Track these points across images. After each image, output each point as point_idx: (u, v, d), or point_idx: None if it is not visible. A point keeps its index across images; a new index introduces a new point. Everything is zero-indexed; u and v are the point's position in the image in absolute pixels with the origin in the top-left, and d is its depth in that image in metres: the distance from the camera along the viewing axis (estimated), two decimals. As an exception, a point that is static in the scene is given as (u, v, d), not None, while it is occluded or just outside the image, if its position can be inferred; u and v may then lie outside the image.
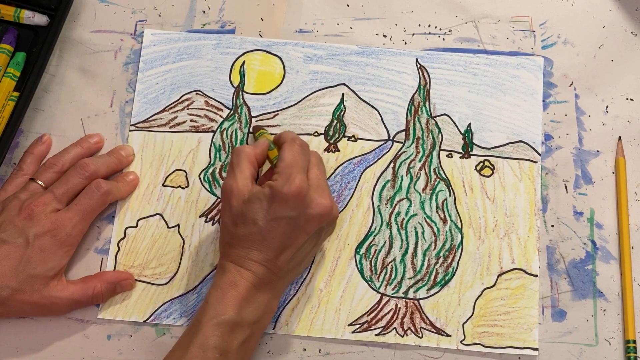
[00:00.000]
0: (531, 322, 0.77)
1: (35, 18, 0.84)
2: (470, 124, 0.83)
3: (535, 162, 0.81)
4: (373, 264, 0.79)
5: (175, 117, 0.84)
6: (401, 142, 0.82)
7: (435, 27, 0.86)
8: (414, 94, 0.84)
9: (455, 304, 0.77)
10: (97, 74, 0.85)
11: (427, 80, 0.84)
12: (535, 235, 0.79)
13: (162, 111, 0.84)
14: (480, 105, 0.83)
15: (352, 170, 0.82)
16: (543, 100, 0.83)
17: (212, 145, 0.83)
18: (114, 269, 0.79)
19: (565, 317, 0.77)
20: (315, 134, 0.83)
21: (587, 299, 0.77)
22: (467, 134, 0.82)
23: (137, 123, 0.83)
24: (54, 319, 0.77)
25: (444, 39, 0.86)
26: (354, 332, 0.77)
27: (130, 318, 0.78)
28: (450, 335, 0.77)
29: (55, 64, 0.85)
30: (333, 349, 0.77)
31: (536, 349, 0.76)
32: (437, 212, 0.80)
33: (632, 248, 0.79)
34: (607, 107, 0.83)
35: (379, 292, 0.78)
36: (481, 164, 0.82)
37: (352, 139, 0.83)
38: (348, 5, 0.87)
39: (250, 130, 0.82)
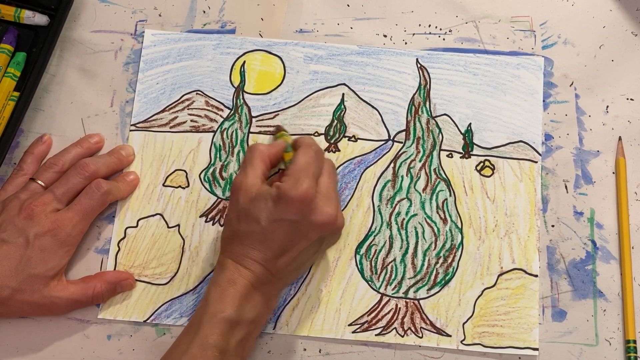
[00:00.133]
0: (531, 322, 0.77)
1: (35, 18, 0.84)
2: (470, 124, 0.83)
3: (536, 162, 0.81)
4: (373, 264, 0.79)
5: (176, 117, 0.84)
6: (401, 142, 0.82)
7: (436, 27, 0.86)
8: (414, 94, 0.84)
9: (455, 304, 0.77)
10: (97, 74, 0.85)
11: (428, 80, 0.84)
12: (536, 235, 0.79)
13: (163, 111, 0.84)
14: (480, 105, 0.83)
15: (353, 170, 0.82)
16: (543, 100, 0.83)
17: (213, 145, 0.83)
18: (114, 269, 0.79)
19: (566, 317, 0.77)
20: (316, 134, 0.83)
21: (588, 299, 0.77)
22: (468, 134, 0.82)
23: (138, 123, 0.83)
24: (54, 319, 0.77)
25: (444, 39, 0.86)
26: (354, 332, 0.77)
27: (131, 318, 0.78)
28: (450, 335, 0.77)
29: (56, 64, 0.85)
30: (333, 349, 0.77)
31: (536, 349, 0.76)
32: (438, 212, 0.80)
33: (632, 248, 0.79)
34: (607, 107, 0.83)
35: (379, 292, 0.78)
36: (481, 164, 0.82)
37: (353, 139, 0.83)
38: (348, 5, 0.87)
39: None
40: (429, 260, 0.79)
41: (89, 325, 0.78)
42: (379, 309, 0.78)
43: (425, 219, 0.80)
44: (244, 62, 0.85)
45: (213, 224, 0.80)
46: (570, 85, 0.84)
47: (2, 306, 0.73)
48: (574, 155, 0.82)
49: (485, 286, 0.78)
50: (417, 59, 0.85)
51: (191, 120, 0.84)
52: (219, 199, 0.81)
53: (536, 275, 0.78)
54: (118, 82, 0.85)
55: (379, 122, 0.83)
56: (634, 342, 0.76)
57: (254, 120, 0.83)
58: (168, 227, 0.80)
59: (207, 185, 0.82)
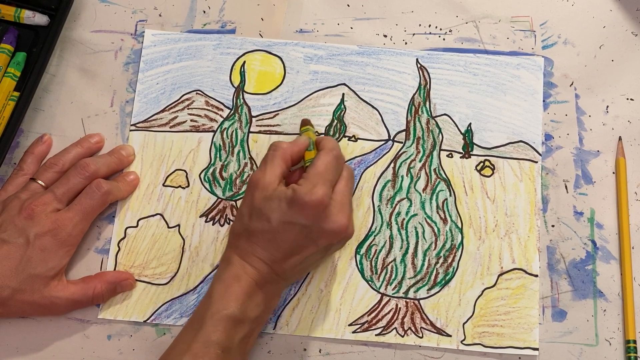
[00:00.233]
0: (531, 322, 0.77)
1: (35, 18, 0.84)
2: (470, 124, 0.83)
3: (536, 162, 0.81)
4: (373, 264, 0.79)
5: (176, 117, 0.84)
6: (401, 142, 0.82)
7: (436, 27, 0.86)
8: (414, 94, 0.84)
9: (455, 304, 0.77)
10: (97, 74, 0.85)
11: (428, 80, 0.84)
12: (536, 235, 0.79)
13: (163, 111, 0.84)
14: (480, 105, 0.83)
15: (353, 171, 0.81)
16: (543, 100, 0.83)
17: (213, 145, 0.83)
18: (114, 269, 0.79)
19: (566, 317, 0.77)
20: (316, 133, 0.83)
21: (588, 299, 0.77)
22: (468, 134, 0.82)
23: (138, 123, 0.83)
24: (54, 319, 0.77)
25: (444, 39, 0.86)
26: (354, 332, 0.77)
27: (131, 318, 0.78)
28: (450, 335, 0.77)
29: (56, 64, 0.85)
30: (333, 349, 0.77)
31: (536, 349, 0.76)
32: (438, 212, 0.80)
33: (633, 248, 0.79)
34: (607, 107, 0.83)
35: (379, 292, 0.78)
36: (481, 164, 0.82)
37: (353, 139, 0.83)
38: (348, 5, 0.87)
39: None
40: (429, 260, 0.79)
41: (89, 325, 0.78)
42: (379, 309, 0.78)
43: (425, 219, 0.80)
44: (244, 62, 0.85)
45: (213, 224, 0.80)
46: (570, 85, 0.84)
47: (3, 306, 0.73)
48: (574, 155, 0.82)
49: (485, 286, 0.78)
50: (417, 59, 0.85)
51: (191, 120, 0.84)
52: (219, 199, 0.81)
53: (536, 275, 0.78)
54: (118, 82, 0.85)
55: (379, 122, 0.83)
56: (634, 342, 0.76)
57: (254, 120, 0.83)
58: (168, 227, 0.80)
59: (207, 185, 0.82)
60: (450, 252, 0.79)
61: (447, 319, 0.77)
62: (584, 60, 0.84)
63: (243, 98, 0.84)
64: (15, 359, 0.77)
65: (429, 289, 0.78)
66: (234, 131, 0.83)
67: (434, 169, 0.81)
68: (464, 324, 0.77)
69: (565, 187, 0.81)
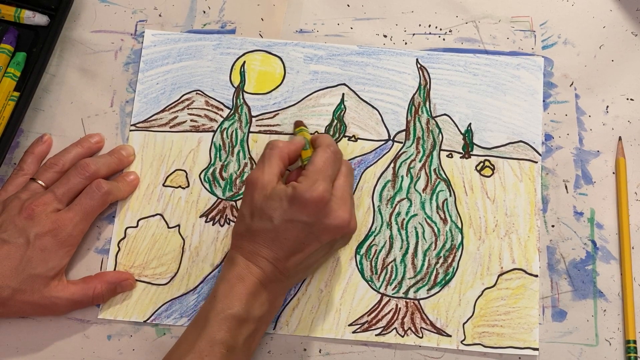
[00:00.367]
0: (531, 322, 0.77)
1: (35, 18, 0.84)
2: (470, 124, 0.83)
3: (536, 162, 0.81)
4: (373, 264, 0.79)
5: (176, 117, 0.84)
6: (401, 142, 0.82)
7: (436, 27, 0.86)
8: (414, 94, 0.84)
9: (455, 304, 0.77)
10: (97, 74, 0.85)
11: (428, 80, 0.84)
12: (536, 235, 0.79)
13: (163, 111, 0.84)
14: (480, 106, 0.83)
15: (351, 165, 0.81)
16: (543, 100, 0.83)
17: (213, 145, 0.83)
18: (114, 269, 0.79)
19: (566, 317, 0.77)
20: (316, 133, 0.83)
21: (588, 299, 0.78)
22: (468, 134, 0.82)
23: (138, 123, 0.83)
24: (54, 319, 0.77)
25: (444, 39, 0.86)
26: (354, 332, 0.77)
27: (131, 318, 0.78)
28: (450, 335, 0.77)
29: (56, 64, 0.85)
30: (333, 349, 0.77)
31: (536, 349, 0.76)
32: (438, 212, 0.80)
33: (633, 248, 0.79)
34: (607, 107, 0.83)
35: (379, 292, 0.78)
36: (481, 164, 0.82)
37: (353, 139, 0.83)
38: (348, 5, 0.87)
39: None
40: (429, 260, 0.79)
41: (89, 325, 0.78)
42: (379, 309, 0.78)
43: (425, 219, 0.80)
44: (244, 62, 0.85)
45: (213, 224, 0.80)
46: (570, 85, 0.84)
47: (3, 306, 0.73)
48: (574, 155, 0.82)
49: (485, 286, 0.78)
50: (417, 59, 0.85)
51: (191, 120, 0.84)
52: (219, 199, 0.81)
53: (536, 275, 0.78)
54: (118, 82, 0.85)
55: (379, 122, 0.83)
56: (634, 342, 0.76)
57: (253, 119, 0.83)
58: (168, 227, 0.80)
59: (207, 186, 0.82)
60: (450, 252, 0.79)
61: (447, 319, 0.77)
62: (584, 60, 0.84)
63: (243, 98, 0.84)
64: (15, 359, 0.77)
65: (429, 289, 0.78)
66: (234, 131, 0.83)
67: (434, 169, 0.81)
68: (464, 324, 0.77)
69: (565, 187, 0.81)
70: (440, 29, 0.86)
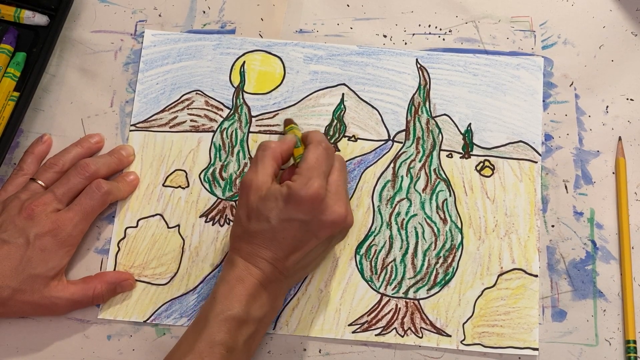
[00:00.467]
0: (531, 322, 0.77)
1: (35, 18, 0.84)
2: (470, 124, 0.83)
3: (536, 162, 0.81)
4: (373, 264, 0.79)
5: (176, 117, 0.84)
6: (401, 142, 0.82)
7: (436, 27, 0.86)
8: (414, 94, 0.84)
9: (455, 304, 0.77)
10: (97, 74, 0.85)
11: (427, 80, 0.84)
12: (536, 235, 0.79)
13: (162, 111, 0.84)
14: (480, 106, 0.83)
15: (352, 171, 0.82)
16: (543, 101, 0.83)
17: (212, 145, 0.83)
18: (114, 269, 0.79)
19: (566, 317, 0.77)
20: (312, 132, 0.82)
21: (587, 299, 0.78)
22: (467, 134, 0.82)
23: (137, 123, 0.83)
24: (54, 319, 0.77)
25: (444, 39, 0.86)
26: (354, 332, 0.77)
27: (131, 318, 0.78)
28: (450, 336, 0.77)
29: (56, 64, 0.85)
30: (333, 349, 0.77)
31: (536, 349, 0.76)
32: (437, 212, 0.80)
33: (632, 248, 0.79)
34: (607, 107, 0.83)
35: (379, 292, 0.78)
36: (481, 164, 0.82)
37: (352, 139, 0.83)
38: (348, 6, 0.87)
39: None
40: (429, 260, 0.79)
41: (89, 326, 0.78)
42: (379, 309, 0.78)
43: (425, 219, 0.80)
44: (244, 62, 0.85)
45: (213, 224, 0.80)
46: (570, 86, 0.84)
47: (3, 306, 0.73)
48: (573, 155, 0.82)
49: (485, 286, 0.78)
50: (417, 59, 0.85)
51: (191, 120, 0.84)
52: (219, 199, 0.81)
53: (536, 275, 0.78)
54: (118, 82, 0.85)
55: (379, 122, 0.83)
56: (634, 342, 0.76)
57: (253, 120, 0.83)
58: (168, 227, 0.80)
59: (207, 186, 0.82)
60: (450, 252, 0.79)
61: (447, 319, 0.77)
62: (584, 60, 0.84)
63: (243, 98, 0.84)
64: (15, 359, 0.77)
65: (429, 289, 0.78)
66: (234, 131, 0.83)
67: (434, 169, 0.81)
68: (463, 324, 0.77)
69: (565, 187, 0.81)
70: (440, 29, 0.86)
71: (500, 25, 0.86)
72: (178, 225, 0.80)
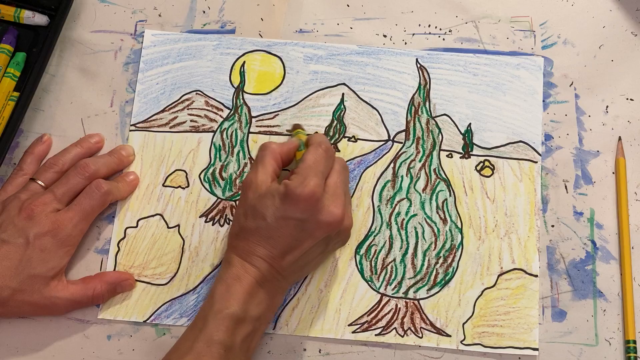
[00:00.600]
0: (531, 322, 0.77)
1: (35, 18, 0.84)
2: (470, 124, 0.83)
3: (536, 162, 0.81)
4: (373, 264, 0.79)
5: (176, 117, 0.84)
6: (401, 143, 0.82)
7: (436, 27, 0.86)
8: (414, 94, 0.84)
9: (455, 304, 0.77)
10: (97, 74, 0.85)
11: (427, 80, 0.84)
12: (536, 236, 0.79)
13: (162, 111, 0.84)
14: (480, 106, 0.83)
15: (352, 171, 0.82)
16: (543, 100, 0.83)
17: (212, 145, 0.83)
18: (114, 269, 0.79)
19: (566, 317, 0.77)
20: (315, 134, 0.83)
21: (587, 299, 0.78)
22: (467, 134, 0.82)
23: (137, 123, 0.83)
24: (54, 319, 0.77)
25: (444, 39, 0.86)
26: (354, 332, 0.77)
27: (131, 318, 0.78)
28: (450, 336, 0.77)
29: (55, 64, 0.85)
30: (333, 349, 0.77)
31: (536, 349, 0.76)
32: (437, 212, 0.80)
33: (632, 248, 0.79)
34: (607, 107, 0.83)
35: (379, 292, 0.78)
36: (481, 164, 0.82)
37: (352, 139, 0.83)
38: (348, 5, 0.87)
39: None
40: (428, 260, 0.79)
41: (89, 326, 0.78)
42: (378, 309, 0.78)
43: (425, 219, 0.80)
44: (244, 62, 0.85)
45: (213, 224, 0.80)
46: (570, 85, 0.84)
47: (2, 306, 0.73)
48: (573, 155, 0.82)
49: (485, 286, 0.78)
50: (416, 59, 0.85)
51: (191, 120, 0.84)
52: (219, 199, 0.81)
53: (536, 276, 0.78)
54: (118, 82, 0.85)
55: (379, 122, 0.83)
56: (634, 342, 0.76)
57: (253, 120, 0.83)
58: (168, 227, 0.80)
59: (207, 186, 0.82)
60: (450, 252, 0.79)
61: (446, 319, 0.77)
62: (584, 60, 0.84)
63: (243, 98, 0.84)
64: (15, 359, 0.77)
65: (429, 289, 0.78)
66: (234, 131, 0.83)
67: (434, 169, 0.81)
68: (463, 324, 0.77)
69: (565, 187, 0.81)
70: (440, 29, 0.86)
71: (500, 25, 0.86)
72: (178, 225, 0.80)
